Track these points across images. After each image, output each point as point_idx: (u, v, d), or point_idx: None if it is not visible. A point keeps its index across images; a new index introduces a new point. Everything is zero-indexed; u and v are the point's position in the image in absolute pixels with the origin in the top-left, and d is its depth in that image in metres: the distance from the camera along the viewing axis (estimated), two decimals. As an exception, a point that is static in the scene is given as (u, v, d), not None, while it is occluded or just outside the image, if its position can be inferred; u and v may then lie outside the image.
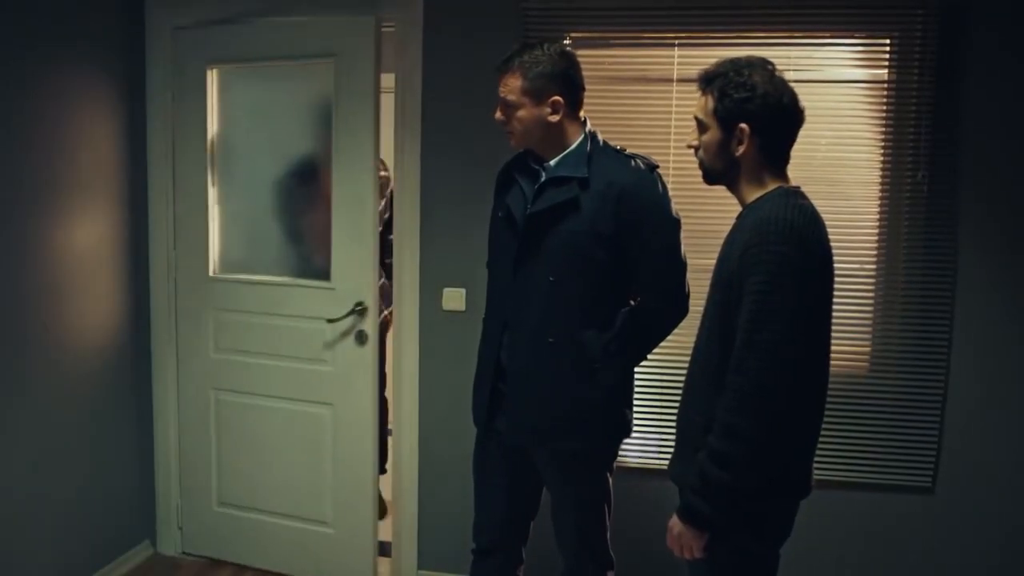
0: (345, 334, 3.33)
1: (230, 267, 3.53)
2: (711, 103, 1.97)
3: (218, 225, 3.52)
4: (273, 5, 3.32)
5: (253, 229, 3.56)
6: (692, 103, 2.99)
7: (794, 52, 3.01)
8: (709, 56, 2.99)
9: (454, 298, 3.28)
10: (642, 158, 2.39)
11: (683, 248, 2.41)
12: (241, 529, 3.61)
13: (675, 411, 2.17)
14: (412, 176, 3.27)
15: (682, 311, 2.45)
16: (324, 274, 3.35)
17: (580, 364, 2.35)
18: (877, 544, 3.15)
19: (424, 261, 3.30)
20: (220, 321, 3.52)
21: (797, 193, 1.96)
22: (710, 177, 2.06)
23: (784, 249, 1.83)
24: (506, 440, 2.48)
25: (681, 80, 3.08)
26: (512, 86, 2.32)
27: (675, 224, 2.39)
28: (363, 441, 3.36)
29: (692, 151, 2.08)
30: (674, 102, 3.10)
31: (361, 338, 3.31)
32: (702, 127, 2.01)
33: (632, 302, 2.45)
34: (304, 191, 3.47)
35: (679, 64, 3.09)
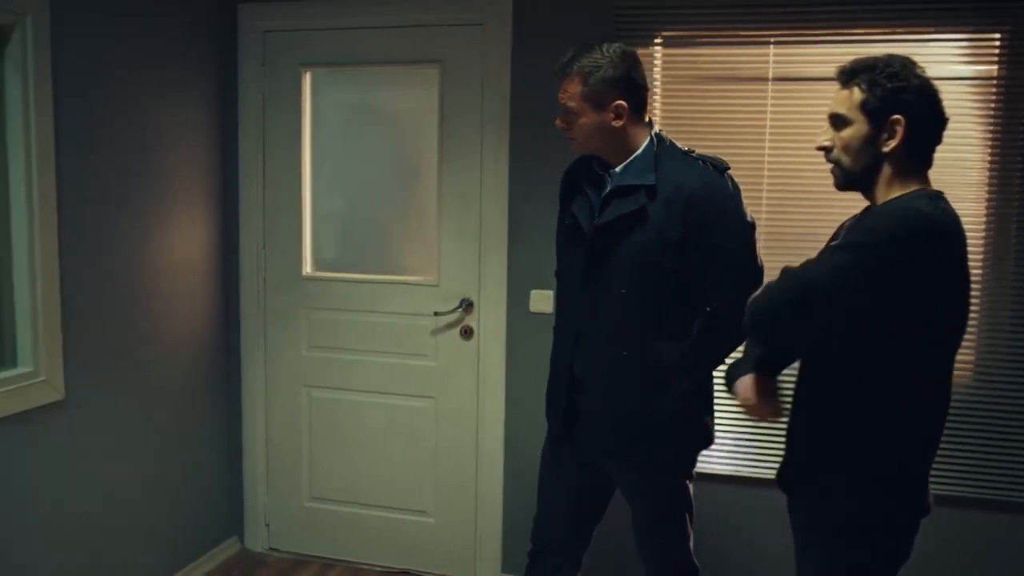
0: (450, 328, 3.39)
1: (323, 266, 3.60)
2: (859, 95, 1.87)
3: (311, 225, 3.57)
4: (369, 11, 3.37)
5: (349, 228, 3.64)
6: (789, 102, 2.98)
7: (897, 49, 2.90)
8: (807, 54, 2.98)
9: (541, 300, 3.27)
10: (711, 159, 2.28)
11: (759, 252, 2.32)
12: (332, 523, 3.67)
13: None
14: (500, 177, 3.28)
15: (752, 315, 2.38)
16: (428, 271, 3.43)
17: (656, 377, 2.27)
18: (982, 565, 3.01)
19: (512, 263, 3.31)
20: (313, 319, 3.58)
21: (942, 197, 1.85)
22: (847, 178, 1.93)
23: (898, 233, 1.73)
24: (582, 456, 2.43)
25: (777, 79, 3.01)
26: (572, 92, 2.22)
27: (749, 227, 2.29)
28: (465, 433, 3.45)
29: (823, 152, 1.96)
30: (769, 102, 3.03)
31: (466, 333, 3.37)
32: (842, 123, 1.90)
33: (708, 309, 2.35)
34: (405, 191, 3.53)
35: (775, 62, 3.02)
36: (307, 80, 3.51)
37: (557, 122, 2.31)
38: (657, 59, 3.14)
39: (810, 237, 2.94)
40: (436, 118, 3.35)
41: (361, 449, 3.59)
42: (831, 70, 1.97)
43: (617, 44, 2.25)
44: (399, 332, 3.48)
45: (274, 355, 3.65)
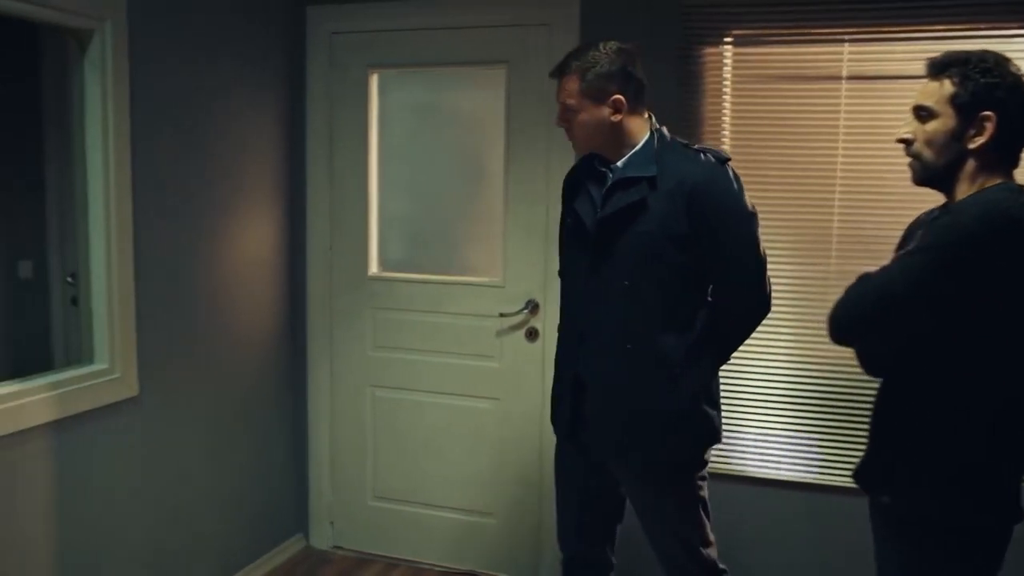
0: (515, 330, 3.38)
1: (389, 266, 3.62)
2: (949, 88, 1.82)
3: (377, 226, 3.60)
4: (436, 12, 3.38)
5: (414, 229, 3.66)
6: (864, 102, 2.91)
7: (979, 46, 2.81)
8: (884, 51, 2.91)
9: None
10: (713, 151, 2.27)
11: (762, 243, 2.28)
12: (396, 522, 3.68)
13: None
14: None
15: (763, 308, 2.34)
16: (494, 272, 3.44)
17: (661, 370, 2.25)
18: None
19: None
20: (379, 319, 3.60)
21: (1023, 191, 1.79)
22: (926, 172, 1.88)
23: (976, 229, 1.70)
24: (592, 456, 2.41)
25: (852, 78, 2.94)
26: (570, 89, 2.23)
27: (751, 218, 2.25)
28: (529, 435, 3.44)
29: (903, 146, 1.91)
30: (843, 101, 2.97)
31: (532, 335, 3.37)
32: (928, 115, 1.85)
33: (709, 300, 2.35)
34: (471, 191, 3.54)
35: (849, 60, 2.95)
36: (374, 81, 3.53)
37: (556, 121, 2.32)
38: (727, 59, 3.09)
39: (885, 240, 2.85)
40: (502, 119, 3.35)
41: (424, 449, 3.60)
42: (909, 68, 1.93)
43: (614, 42, 2.26)
44: (464, 333, 3.49)
45: (340, 354, 3.68)
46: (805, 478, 3.12)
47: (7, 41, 3.83)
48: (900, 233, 2.05)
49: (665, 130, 2.33)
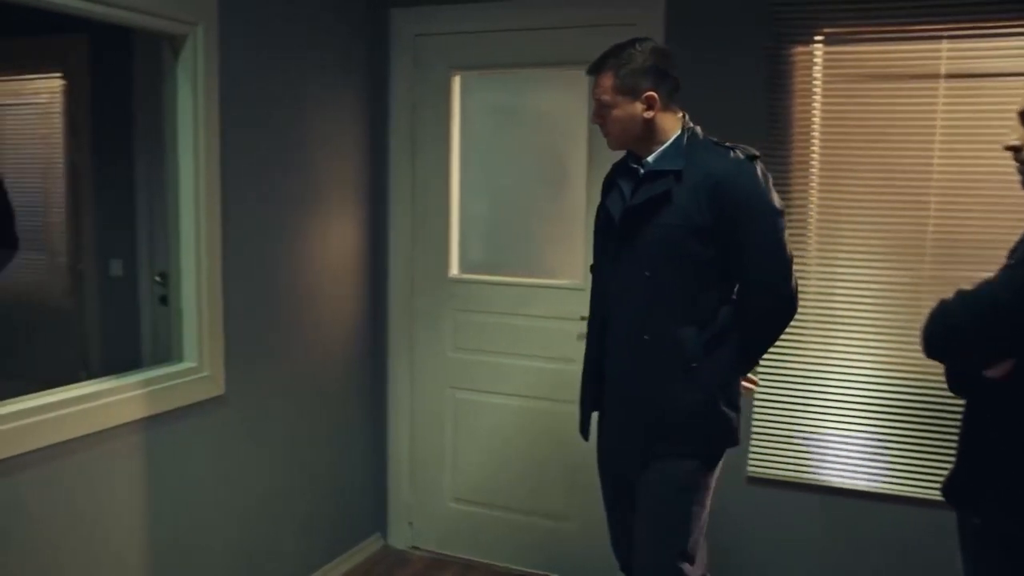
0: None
1: (470, 268, 3.62)
2: None
3: (458, 227, 3.60)
4: (520, 14, 3.36)
5: (495, 231, 3.65)
6: (963, 101, 2.80)
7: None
8: (985, 48, 2.79)
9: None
10: (742, 148, 2.27)
11: (788, 242, 2.26)
12: (474, 525, 3.68)
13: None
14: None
15: (787, 308, 2.30)
16: (575, 275, 3.41)
17: (677, 363, 2.25)
18: None
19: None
20: (459, 321, 3.60)
21: None
22: None
23: None
24: (602, 444, 2.45)
25: (951, 75, 2.84)
26: (605, 86, 2.28)
27: (776, 215, 2.23)
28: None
29: (1011, 153, 1.82)
30: (940, 100, 2.86)
31: None
32: None
33: (733, 296, 2.33)
34: (552, 193, 3.52)
35: (948, 58, 2.84)
36: (456, 83, 3.54)
37: (592, 118, 2.37)
38: (817, 58, 3.01)
39: (983, 245, 2.78)
40: (585, 120, 3.31)
41: (504, 452, 3.59)
42: (1013, 65, 1.82)
43: (649, 40, 2.30)
44: (544, 336, 3.46)
45: (420, 355, 3.69)
46: (887, 489, 3.02)
47: (103, 47, 3.94)
48: (1004, 239, 1.96)
49: (699, 129, 2.34)
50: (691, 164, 2.23)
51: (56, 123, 4.35)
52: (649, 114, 2.26)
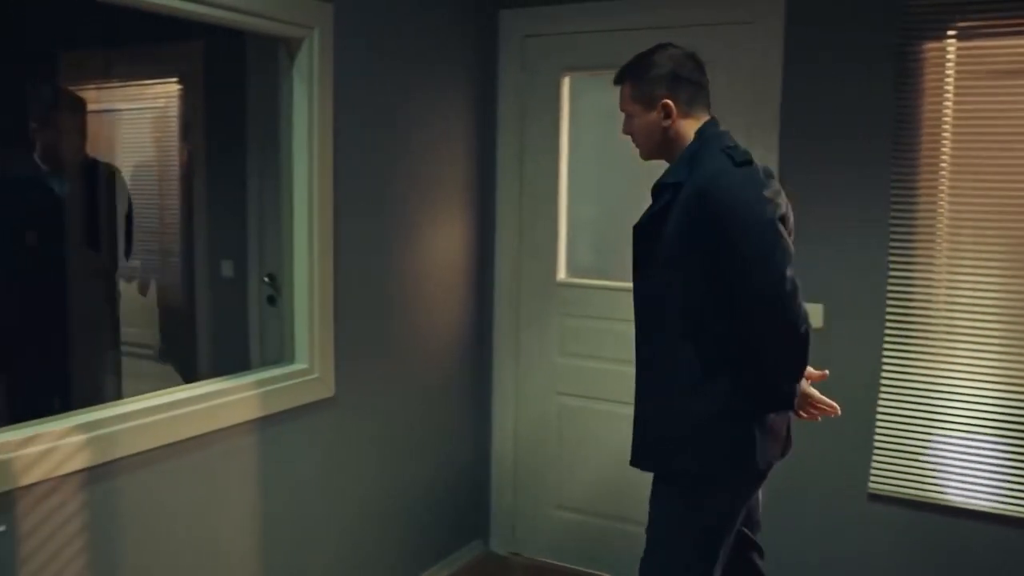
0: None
1: (578, 273, 3.57)
2: None
3: (566, 231, 3.55)
4: (633, 13, 3.30)
5: (604, 235, 3.59)
6: None
7: None
8: None
9: (811, 314, 3.03)
10: (733, 150, 2.10)
11: (781, 260, 1.99)
12: (578, 533, 3.62)
13: None
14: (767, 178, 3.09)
15: (786, 330, 2.00)
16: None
17: (681, 381, 2.14)
18: None
19: (778, 273, 3.11)
20: (566, 326, 3.55)
21: None
22: None
23: None
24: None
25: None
26: (626, 96, 2.24)
27: (760, 227, 1.99)
28: None
29: None
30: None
31: None
32: None
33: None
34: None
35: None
36: (566, 84, 3.49)
37: (622, 131, 2.30)
38: (949, 54, 2.86)
39: None
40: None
41: (611, 460, 3.51)
42: None
43: (669, 46, 2.24)
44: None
45: (526, 360, 3.65)
46: (1014, 512, 2.85)
47: (217, 52, 4.02)
48: None
49: (721, 132, 2.19)
50: (693, 175, 2.10)
51: (172, 127, 4.47)
52: (667, 123, 2.19)
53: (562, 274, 3.57)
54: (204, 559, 2.51)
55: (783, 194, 2.13)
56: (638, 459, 2.25)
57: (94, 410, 2.23)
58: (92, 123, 4.92)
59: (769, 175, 2.13)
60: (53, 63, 4.73)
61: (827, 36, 2.99)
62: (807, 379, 2.26)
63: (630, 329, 3.38)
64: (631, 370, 3.36)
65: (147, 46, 4.31)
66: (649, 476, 3.38)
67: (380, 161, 3.06)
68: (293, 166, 2.74)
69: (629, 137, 2.29)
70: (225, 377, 2.61)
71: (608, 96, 3.52)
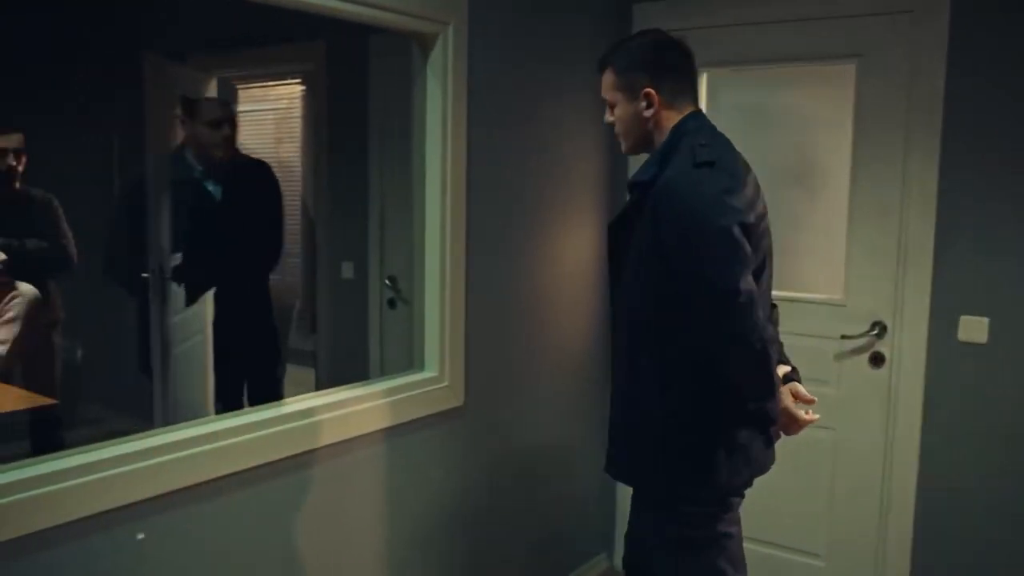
0: (856, 354, 3.06)
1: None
2: None
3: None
4: (777, 4, 3.11)
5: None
6: None
7: None
8: None
9: (973, 328, 2.83)
10: (705, 150, 1.92)
11: (732, 272, 1.81)
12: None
13: None
14: (928, 187, 2.88)
15: (736, 347, 1.83)
16: (832, 289, 3.13)
17: (643, 393, 2.02)
18: None
19: (937, 284, 2.89)
20: (699, 336, 3.37)
21: None
22: None
23: None
24: None
25: None
26: (607, 83, 2.10)
27: (709, 235, 1.82)
28: (870, 472, 3.10)
29: None
30: None
31: (876, 360, 3.04)
32: None
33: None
34: (806, 200, 3.27)
35: None
36: (704, 81, 3.32)
37: (605, 118, 2.16)
38: None
39: None
40: (850, 120, 3.01)
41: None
42: None
43: (653, 31, 2.14)
44: (796, 354, 3.11)
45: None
46: None
47: (339, 53, 4.00)
48: None
49: (701, 127, 2.03)
50: (663, 173, 1.95)
51: (294, 128, 4.49)
52: (649, 112, 2.05)
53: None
54: (329, 572, 2.44)
55: (760, 198, 2.02)
56: (607, 467, 2.18)
57: (224, 418, 2.17)
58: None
59: (741, 176, 1.96)
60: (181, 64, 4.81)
61: (997, 23, 2.74)
62: (795, 398, 2.11)
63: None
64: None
65: (271, 48, 4.33)
66: (791, 498, 3.23)
67: (513, 161, 2.95)
68: (425, 166, 2.65)
69: (612, 125, 2.14)
70: (355, 385, 2.53)
71: (748, 93, 3.36)
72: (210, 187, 3.46)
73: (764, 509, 3.30)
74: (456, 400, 2.76)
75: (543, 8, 3.02)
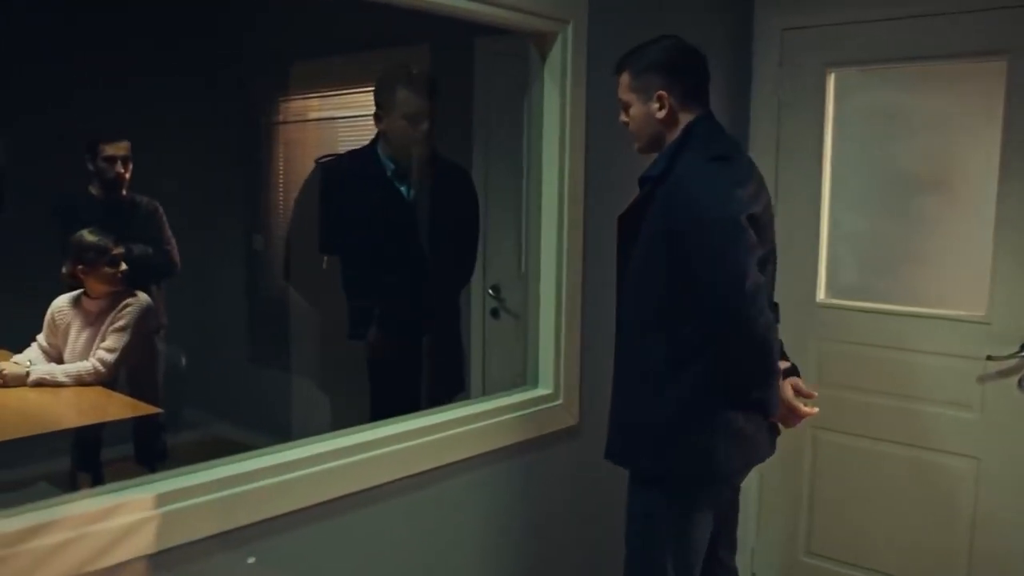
0: (1004, 377, 2.81)
1: (841, 293, 3.18)
2: None
3: (827, 245, 3.17)
4: (911, 2, 2.90)
5: (873, 251, 3.19)
6: None
7: None
8: None
9: None
10: (718, 145, 2.08)
11: (741, 258, 1.92)
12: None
13: None
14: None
15: (742, 334, 1.95)
16: (975, 305, 2.89)
17: (647, 378, 2.10)
18: None
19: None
20: (825, 352, 3.17)
21: None
22: None
23: None
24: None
25: None
26: (623, 84, 2.15)
27: (719, 224, 1.94)
28: (1018, 506, 2.84)
29: None
30: None
31: None
32: None
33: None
34: (945, 208, 3.03)
35: None
36: (831, 82, 3.12)
37: (620, 120, 2.21)
38: None
39: None
40: (998, 122, 2.77)
41: (875, 506, 3.11)
42: None
43: (674, 36, 2.18)
44: (933, 375, 2.95)
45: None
46: None
47: (443, 58, 3.90)
48: None
49: (712, 128, 2.14)
50: (675, 169, 2.05)
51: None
52: (661, 114, 2.11)
53: (822, 294, 3.18)
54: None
55: (765, 192, 2.13)
56: (609, 453, 2.21)
57: (321, 440, 2.06)
58: (314, 131, 4.96)
59: (749, 171, 2.11)
60: (284, 72, 4.80)
61: None
62: (795, 392, 2.19)
63: (903, 358, 3.02)
64: (904, 405, 3.02)
65: (370, 52, 4.26)
66: (917, 529, 3.00)
67: (634, 167, 2.79)
68: (542, 172, 2.53)
69: (627, 125, 2.19)
70: (466, 403, 2.43)
71: (881, 94, 3.14)
72: (402, 188, 2.97)
73: (898, 542, 3.10)
74: (571, 419, 2.62)
75: (664, 7, 2.87)
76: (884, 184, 3.11)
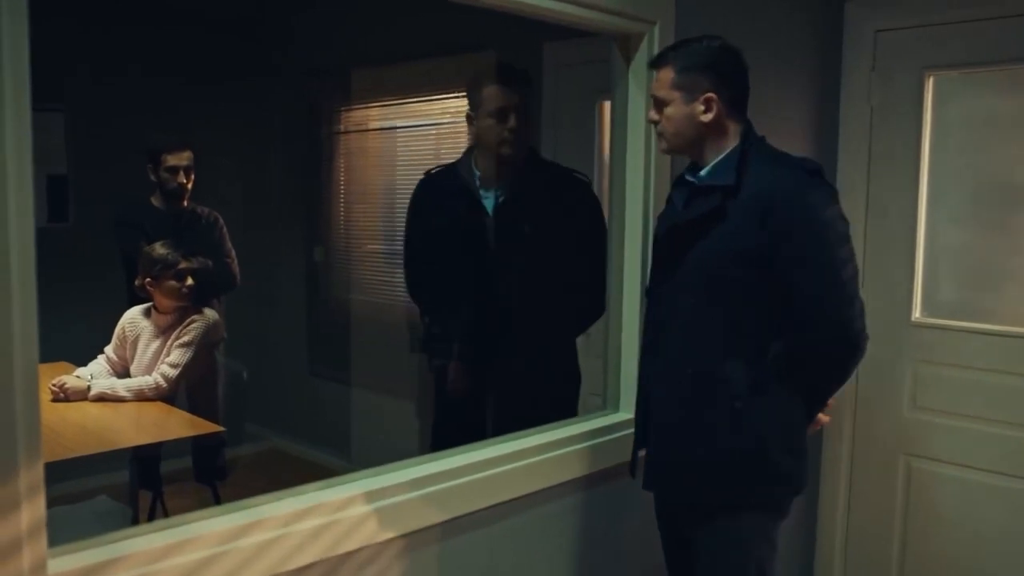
0: None
1: (939, 312, 2.98)
2: None
3: (923, 260, 2.98)
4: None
5: (975, 267, 2.98)
6: None
7: None
8: None
9: None
10: (801, 160, 2.02)
11: (849, 272, 1.93)
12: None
13: None
14: None
15: (848, 347, 1.97)
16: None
17: (723, 401, 1.97)
18: None
19: None
20: (922, 374, 2.98)
21: None
22: None
23: None
24: (644, 484, 2.12)
25: None
26: (663, 80, 2.01)
27: (833, 237, 1.93)
28: None
29: None
30: None
31: None
32: None
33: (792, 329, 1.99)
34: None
35: None
36: (929, 86, 2.93)
37: (650, 115, 2.08)
38: None
39: None
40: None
41: (976, 541, 2.90)
42: None
43: (719, 38, 2.04)
44: (1032, 399, 2.75)
45: (865, 412, 3.10)
46: None
47: (510, 63, 3.78)
48: None
49: (763, 138, 2.06)
50: (746, 180, 1.96)
51: (456, 144, 4.28)
52: (707, 117, 1.98)
53: (918, 313, 2.99)
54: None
55: None
56: (698, 490, 2.05)
57: (391, 471, 1.94)
58: (375, 141, 4.88)
59: None
60: (346, 81, 4.73)
61: None
62: None
63: (1005, 381, 2.80)
64: (1005, 432, 2.80)
65: (435, 60, 4.17)
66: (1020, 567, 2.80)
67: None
68: (626, 180, 2.39)
69: (657, 123, 2.05)
70: (546, 428, 2.28)
71: (985, 99, 2.94)
72: (486, 199, 2.63)
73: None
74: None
75: (749, 8, 2.71)
76: (986, 195, 2.91)
